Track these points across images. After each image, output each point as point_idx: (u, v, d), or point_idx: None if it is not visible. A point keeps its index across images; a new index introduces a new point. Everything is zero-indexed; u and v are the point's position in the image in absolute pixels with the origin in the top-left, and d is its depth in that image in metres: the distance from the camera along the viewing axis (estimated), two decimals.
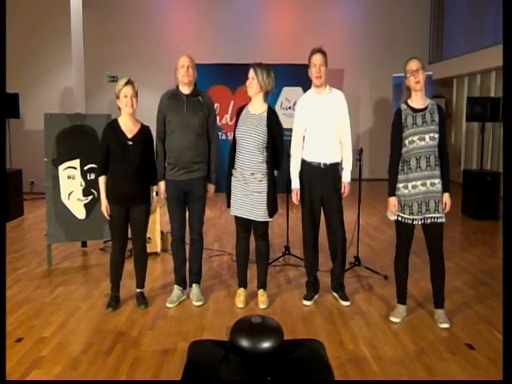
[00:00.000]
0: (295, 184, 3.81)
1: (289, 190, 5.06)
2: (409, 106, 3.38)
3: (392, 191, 3.43)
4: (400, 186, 3.39)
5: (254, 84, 3.60)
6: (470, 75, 9.70)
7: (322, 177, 3.71)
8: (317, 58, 3.67)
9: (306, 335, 3.23)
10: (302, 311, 3.72)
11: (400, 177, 3.40)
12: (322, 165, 3.71)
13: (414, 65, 3.31)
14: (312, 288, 3.90)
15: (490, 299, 3.94)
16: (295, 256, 4.94)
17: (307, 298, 3.86)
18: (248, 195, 3.64)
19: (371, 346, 3.14)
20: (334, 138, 3.73)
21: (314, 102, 3.75)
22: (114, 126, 3.62)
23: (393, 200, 3.42)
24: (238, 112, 3.76)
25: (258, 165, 3.61)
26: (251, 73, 3.61)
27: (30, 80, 8.83)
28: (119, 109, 3.62)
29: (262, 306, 3.78)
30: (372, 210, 7.55)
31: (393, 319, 3.52)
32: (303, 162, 3.78)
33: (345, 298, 3.84)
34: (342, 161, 3.80)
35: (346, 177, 3.79)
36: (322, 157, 3.71)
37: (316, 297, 3.90)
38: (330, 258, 3.90)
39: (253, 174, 3.62)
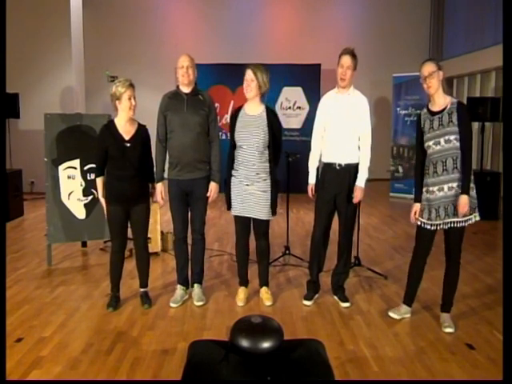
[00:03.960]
0: (311, 179, 3.82)
1: (287, 189, 5.08)
2: (428, 109, 3.32)
3: (416, 198, 3.41)
4: (423, 190, 3.36)
5: (253, 86, 3.60)
6: (470, 75, 9.70)
7: (336, 177, 3.68)
8: (345, 60, 3.62)
9: (306, 335, 3.23)
10: (301, 311, 3.72)
11: (423, 182, 3.37)
12: (337, 165, 3.68)
13: (424, 70, 3.23)
14: (313, 288, 3.90)
15: (490, 299, 3.94)
16: (295, 256, 4.95)
17: (307, 298, 3.86)
18: (251, 193, 3.65)
19: (371, 346, 3.14)
20: (351, 139, 3.68)
21: (334, 101, 3.73)
22: (111, 128, 3.59)
23: (414, 207, 3.41)
24: (234, 115, 3.75)
25: (262, 164, 3.64)
26: (250, 75, 3.59)
27: (30, 80, 8.83)
28: (116, 109, 3.59)
29: (268, 302, 3.79)
30: (372, 210, 7.55)
31: (391, 315, 3.53)
32: (321, 164, 3.77)
33: (344, 300, 3.83)
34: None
35: (359, 181, 3.68)
36: (338, 157, 3.67)
37: (316, 297, 3.91)
38: (337, 257, 3.89)
39: (258, 173, 3.64)
